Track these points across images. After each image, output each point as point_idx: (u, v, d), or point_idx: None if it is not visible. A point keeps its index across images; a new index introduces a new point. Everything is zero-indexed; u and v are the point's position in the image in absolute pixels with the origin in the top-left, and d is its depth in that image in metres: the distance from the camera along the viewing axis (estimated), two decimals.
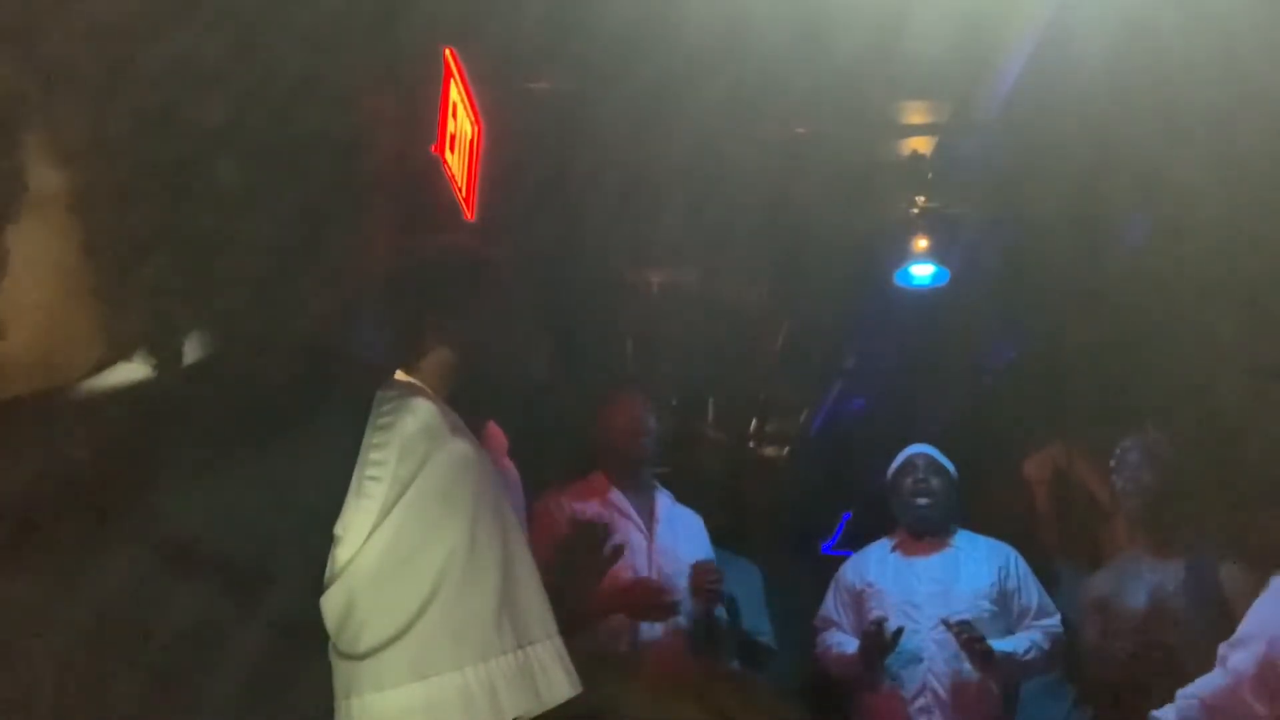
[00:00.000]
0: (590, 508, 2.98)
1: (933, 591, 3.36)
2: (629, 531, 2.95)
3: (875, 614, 3.36)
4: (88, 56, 0.60)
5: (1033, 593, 3.38)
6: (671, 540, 3.02)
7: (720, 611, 3.10)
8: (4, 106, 0.60)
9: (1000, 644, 3.21)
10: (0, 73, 0.59)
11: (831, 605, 3.58)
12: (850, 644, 3.41)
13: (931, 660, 3.29)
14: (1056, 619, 3.34)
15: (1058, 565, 3.77)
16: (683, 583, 2.94)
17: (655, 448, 3.13)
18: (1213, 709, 2.12)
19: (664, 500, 3.13)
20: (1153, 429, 3.10)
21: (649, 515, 3.05)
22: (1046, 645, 3.28)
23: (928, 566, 3.42)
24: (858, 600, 3.51)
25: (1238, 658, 2.04)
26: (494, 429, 1.97)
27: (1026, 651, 3.24)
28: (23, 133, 0.60)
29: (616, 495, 3.05)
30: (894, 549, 3.54)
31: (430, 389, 0.88)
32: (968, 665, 3.24)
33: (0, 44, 0.59)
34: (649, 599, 2.78)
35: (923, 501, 3.47)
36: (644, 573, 2.91)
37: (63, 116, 0.60)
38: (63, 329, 0.64)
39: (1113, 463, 3.12)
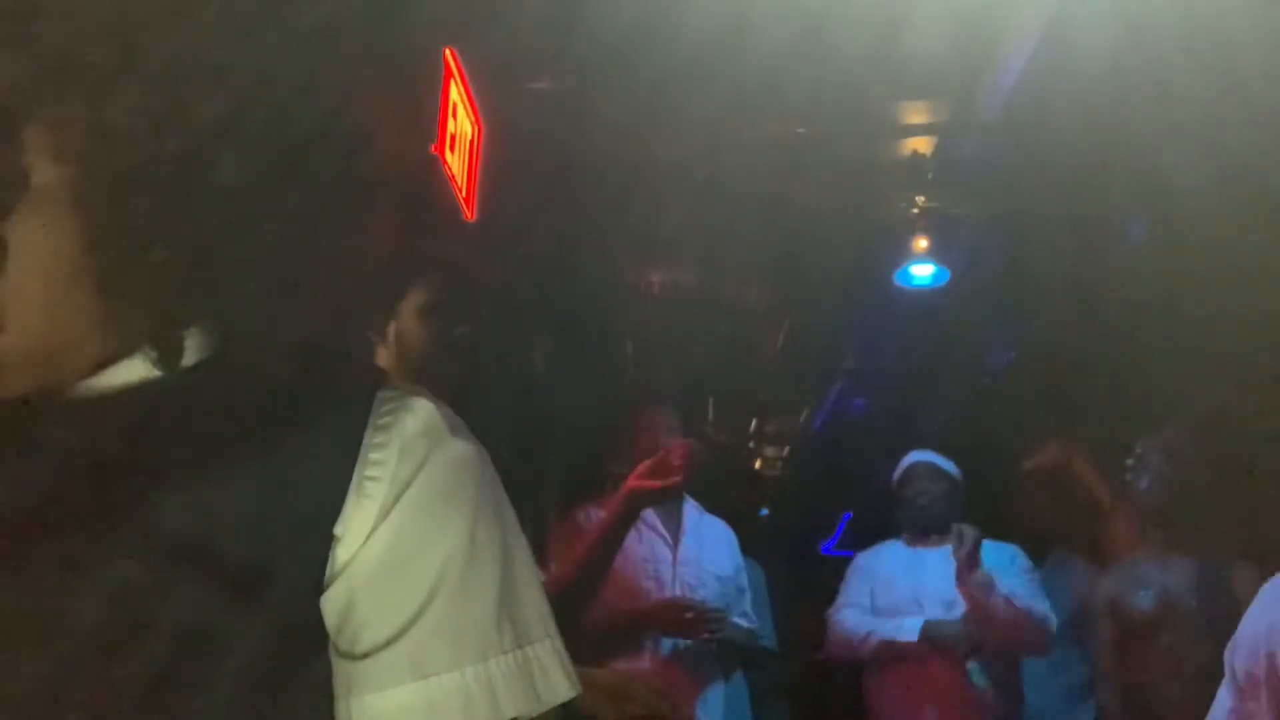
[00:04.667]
0: None
1: (942, 582, 3.42)
2: (654, 544, 3.00)
3: (885, 601, 3.48)
4: (90, 50, 0.60)
5: (1023, 584, 3.42)
6: (696, 551, 3.05)
7: (745, 613, 3.12)
8: (5, 99, 0.59)
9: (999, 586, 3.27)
10: (1, 65, 0.59)
11: (855, 589, 3.63)
12: (873, 625, 3.44)
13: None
14: (1045, 607, 3.36)
15: (1059, 564, 3.76)
16: (706, 594, 2.97)
17: None
18: None
19: (691, 511, 3.15)
20: (1173, 430, 3.09)
21: (676, 527, 3.07)
22: (1037, 609, 3.31)
23: (937, 557, 3.49)
24: (871, 589, 3.59)
25: (1240, 666, 2.02)
26: None
27: (1019, 598, 3.28)
28: (24, 126, 0.60)
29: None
30: (905, 545, 3.64)
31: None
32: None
33: (1, 36, 0.59)
34: (679, 616, 2.83)
35: (924, 501, 3.57)
36: (668, 584, 2.95)
37: (65, 110, 0.60)
38: (64, 324, 0.63)
39: (1130, 462, 3.11)
